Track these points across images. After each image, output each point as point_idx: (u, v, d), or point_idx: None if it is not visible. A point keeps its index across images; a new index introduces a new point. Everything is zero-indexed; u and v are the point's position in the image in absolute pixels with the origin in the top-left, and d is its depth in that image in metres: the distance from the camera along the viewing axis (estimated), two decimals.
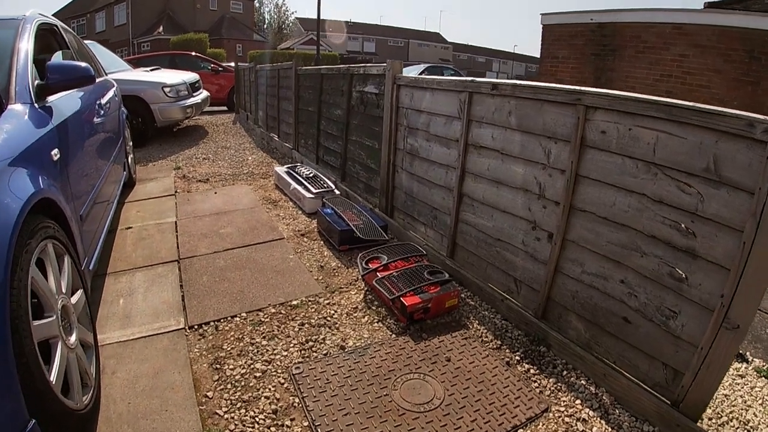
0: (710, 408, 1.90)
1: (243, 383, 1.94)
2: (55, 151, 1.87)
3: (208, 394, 1.87)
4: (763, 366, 2.22)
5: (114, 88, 4.14)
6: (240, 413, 1.77)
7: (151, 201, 4.40)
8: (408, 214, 3.48)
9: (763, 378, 2.14)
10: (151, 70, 7.75)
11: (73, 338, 1.59)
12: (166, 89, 6.71)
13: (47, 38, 2.81)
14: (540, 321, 2.30)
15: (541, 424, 1.79)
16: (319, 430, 1.68)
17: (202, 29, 29.98)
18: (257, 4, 42.01)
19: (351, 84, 4.17)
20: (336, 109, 4.61)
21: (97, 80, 3.56)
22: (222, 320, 2.40)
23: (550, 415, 1.84)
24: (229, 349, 2.16)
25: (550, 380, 2.04)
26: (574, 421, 1.81)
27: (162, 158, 6.25)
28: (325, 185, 4.32)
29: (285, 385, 1.92)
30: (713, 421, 1.86)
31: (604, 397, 1.94)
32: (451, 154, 2.85)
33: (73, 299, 1.71)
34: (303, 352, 2.15)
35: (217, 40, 30.63)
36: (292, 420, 1.76)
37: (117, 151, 3.68)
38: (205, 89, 8.49)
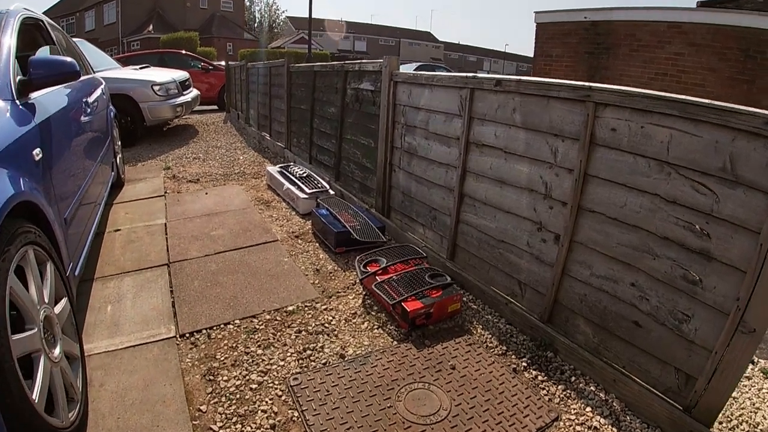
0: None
1: (238, 396, 1.86)
2: (37, 150, 1.77)
3: (201, 407, 1.78)
4: None
5: (102, 86, 4.06)
6: (236, 429, 1.69)
7: (140, 202, 4.30)
8: (406, 215, 3.42)
9: None
10: (141, 68, 7.67)
11: (57, 351, 1.50)
12: (156, 87, 6.62)
13: (32, 34, 2.72)
14: (546, 325, 2.25)
15: None
16: None
17: (193, 28, 30.01)
18: (248, 3, 42.16)
19: (345, 81, 4.10)
20: (330, 107, 4.53)
21: (85, 78, 3.49)
22: (214, 328, 2.31)
23: (561, 423, 1.79)
24: (222, 358, 2.08)
25: (559, 387, 1.99)
26: (586, 430, 1.77)
27: (151, 158, 6.16)
28: (320, 185, 4.24)
29: (283, 398, 1.85)
30: (723, 425, 1.83)
31: (614, 404, 1.90)
32: (451, 152, 2.79)
33: (57, 309, 1.62)
34: (301, 361, 2.08)
35: (207, 38, 30.66)
36: None
37: (105, 150, 3.59)
38: (196, 88, 8.43)
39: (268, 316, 2.43)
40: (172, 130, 8.19)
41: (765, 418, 1.88)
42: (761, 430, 1.83)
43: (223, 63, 11.78)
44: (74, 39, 4.64)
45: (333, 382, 1.90)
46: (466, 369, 2.02)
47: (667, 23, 7.29)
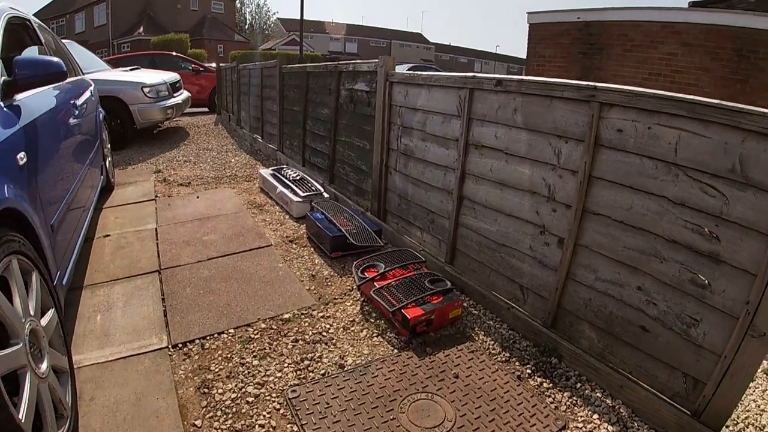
0: None
1: (234, 409, 1.80)
2: (22, 154, 1.70)
3: (196, 423, 1.73)
4: None
5: (91, 88, 4.01)
6: None
7: (130, 206, 4.23)
8: (402, 218, 3.38)
9: None
10: (131, 69, 7.63)
11: (44, 366, 1.44)
12: (146, 89, 6.57)
13: (19, 33, 2.65)
14: (550, 330, 2.22)
15: None
16: None
17: (183, 30, 30.07)
18: (239, 5, 42.26)
19: (339, 82, 4.06)
20: (323, 109, 4.48)
21: (73, 79, 3.44)
22: (208, 337, 2.25)
23: None
24: (217, 370, 2.02)
25: (565, 394, 1.96)
26: None
27: (141, 161, 6.10)
28: (313, 188, 4.19)
29: (281, 411, 1.79)
30: (729, 428, 1.82)
31: (621, 410, 1.88)
32: (449, 154, 2.76)
33: (44, 321, 1.55)
34: (298, 372, 2.02)
35: (198, 40, 30.81)
36: None
37: (93, 154, 3.52)
38: (186, 90, 8.40)
39: (263, 325, 2.37)
40: (162, 133, 8.12)
41: None
42: None
43: (213, 65, 11.81)
44: (63, 40, 4.62)
45: (333, 393, 1.85)
46: (469, 377, 1.98)
47: (661, 23, 7.35)
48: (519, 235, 2.35)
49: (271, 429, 1.71)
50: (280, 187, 4.27)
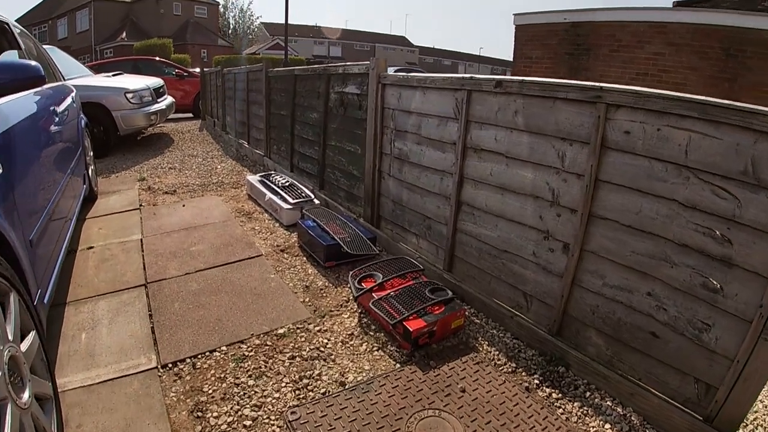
0: None
1: None
2: None
3: None
4: None
5: (72, 94, 3.92)
6: None
7: (114, 216, 4.11)
8: (397, 225, 3.33)
9: None
10: (113, 75, 7.53)
11: (26, 395, 1.35)
12: (129, 95, 6.48)
13: None
14: (555, 338, 2.19)
15: None
16: None
17: (166, 35, 30.16)
18: (222, 9, 42.28)
19: (328, 85, 4.00)
20: (312, 113, 4.42)
21: (54, 85, 3.36)
22: (200, 356, 2.17)
23: None
24: (210, 391, 1.94)
25: (575, 404, 1.93)
26: None
27: (125, 169, 5.98)
28: (304, 194, 4.12)
29: None
30: (739, 430, 1.80)
31: (632, 418, 1.86)
32: (446, 158, 2.72)
33: (24, 345, 1.46)
34: (297, 392, 1.94)
35: (181, 45, 30.90)
36: None
37: (75, 162, 3.42)
38: (170, 95, 8.33)
39: (257, 341, 2.29)
40: (146, 139, 8.02)
41: None
42: None
43: (197, 69, 11.82)
44: (45, 46, 4.56)
45: (335, 414, 1.78)
46: (476, 391, 1.94)
47: (647, 23, 7.46)
48: (521, 240, 2.32)
49: None
50: (269, 194, 4.19)
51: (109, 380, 1.97)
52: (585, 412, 1.89)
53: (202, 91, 10.37)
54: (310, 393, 1.94)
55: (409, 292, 2.44)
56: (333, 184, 4.23)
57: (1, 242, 1.50)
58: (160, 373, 2.04)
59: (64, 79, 4.28)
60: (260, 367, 2.09)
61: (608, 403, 1.93)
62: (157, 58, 12.40)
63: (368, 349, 2.25)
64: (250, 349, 2.23)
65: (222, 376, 2.03)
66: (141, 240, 3.53)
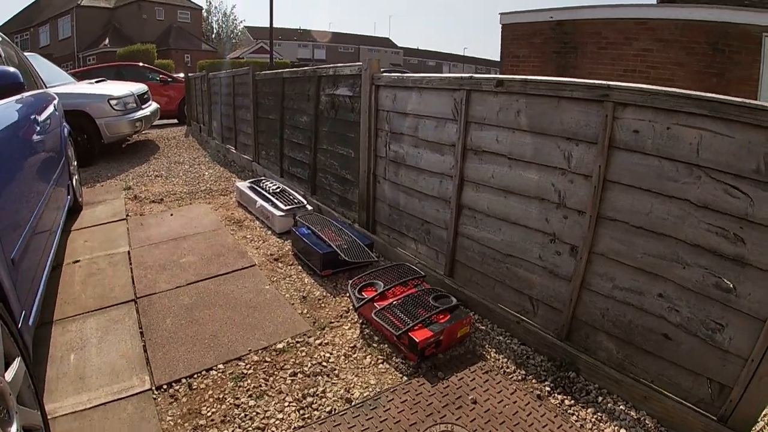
0: None
1: None
2: None
3: None
4: None
5: (55, 102, 3.84)
6: None
7: (101, 228, 4.01)
8: (394, 230, 3.28)
9: None
10: (96, 82, 7.42)
11: (13, 429, 1.27)
12: (113, 102, 6.39)
13: None
14: (565, 343, 2.17)
15: None
16: None
17: (150, 40, 30.00)
18: (205, 14, 42.19)
19: (319, 87, 3.95)
20: (302, 116, 4.36)
21: (35, 93, 3.30)
22: (195, 375, 2.09)
23: None
24: (209, 414, 1.86)
25: (588, 410, 1.90)
26: None
27: (110, 178, 5.88)
28: (296, 200, 4.05)
29: None
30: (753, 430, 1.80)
31: (647, 421, 1.84)
32: (445, 160, 2.69)
33: (8, 375, 1.37)
34: (302, 411, 1.87)
35: (164, 50, 30.78)
36: None
37: (59, 172, 3.32)
38: (155, 101, 8.26)
39: (255, 357, 2.22)
40: (131, 147, 7.92)
41: None
42: None
43: (182, 75, 11.83)
44: (27, 53, 4.51)
45: None
46: (488, 402, 1.90)
47: (634, 20, 7.54)
48: (526, 244, 2.29)
49: None
50: (260, 201, 4.11)
51: (101, 405, 1.89)
52: (599, 417, 1.86)
53: (188, 96, 10.30)
54: (315, 412, 1.87)
55: (413, 301, 2.39)
56: (325, 188, 4.17)
57: None
58: (154, 396, 1.96)
59: (46, 87, 4.20)
60: (261, 386, 2.02)
61: (621, 407, 1.91)
62: (141, 64, 12.37)
63: (373, 362, 2.19)
64: (248, 366, 2.16)
65: (220, 396, 1.96)
66: (128, 252, 3.44)
